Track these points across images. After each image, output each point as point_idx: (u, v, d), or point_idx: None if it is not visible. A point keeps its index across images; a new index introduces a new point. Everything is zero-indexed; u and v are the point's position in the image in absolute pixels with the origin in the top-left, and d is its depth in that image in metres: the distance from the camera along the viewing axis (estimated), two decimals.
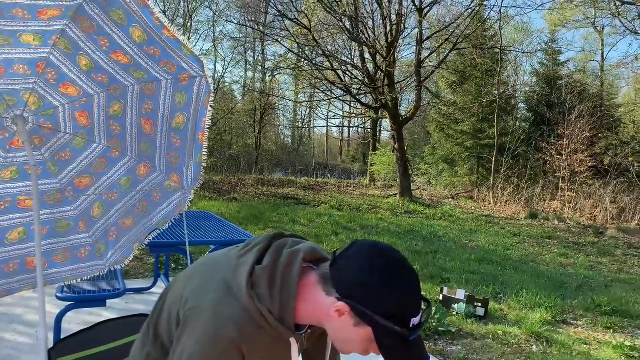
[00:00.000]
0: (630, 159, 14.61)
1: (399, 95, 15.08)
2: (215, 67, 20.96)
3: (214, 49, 19.74)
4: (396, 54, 14.31)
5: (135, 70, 2.14)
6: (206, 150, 2.42)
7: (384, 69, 13.53)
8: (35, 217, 2.05)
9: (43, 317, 1.85)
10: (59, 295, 3.09)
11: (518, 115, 19.65)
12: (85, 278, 2.52)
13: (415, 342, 1.00)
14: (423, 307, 1.02)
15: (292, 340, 1.07)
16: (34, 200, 2.06)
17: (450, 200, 15.61)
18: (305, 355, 1.36)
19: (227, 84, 21.95)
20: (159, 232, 2.55)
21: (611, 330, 4.78)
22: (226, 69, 27.39)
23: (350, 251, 1.02)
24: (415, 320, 0.98)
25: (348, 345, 1.04)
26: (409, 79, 14.99)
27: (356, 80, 14.87)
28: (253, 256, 1.05)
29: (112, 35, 2.00)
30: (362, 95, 15.43)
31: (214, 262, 1.12)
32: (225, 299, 1.01)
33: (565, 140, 14.22)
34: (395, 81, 14.59)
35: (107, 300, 3.28)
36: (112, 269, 2.54)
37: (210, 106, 2.34)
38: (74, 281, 2.50)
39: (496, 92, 16.85)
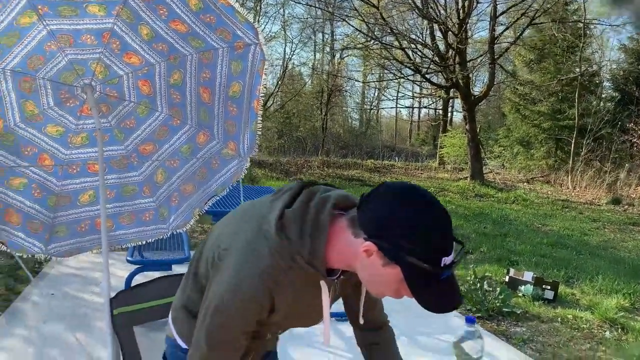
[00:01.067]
0: None
1: (471, 74, 14.53)
2: (284, 50, 21.22)
3: (282, 31, 19.92)
4: (468, 31, 13.76)
5: (193, 39, 2.20)
6: (261, 118, 2.46)
7: (455, 47, 13.07)
8: (100, 180, 2.18)
9: (106, 268, 1.97)
10: (129, 258, 3.29)
11: (602, 95, 18.33)
12: (150, 241, 2.66)
13: (447, 281, 0.96)
14: (456, 248, 0.98)
15: (323, 284, 1.07)
16: (100, 164, 2.19)
17: (524, 184, 14.92)
18: (345, 305, 1.37)
19: (295, 66, 22.12)
20: (218, 198, 2.64)
21: None
22: (294, 51, 27.58)
23: (379, 191, 0.99)
24: (446, 260, 0.94)
25: (379, 287, 1.03)
26: (482, 56, 14.37)
27: (426, 60, 14.48)
28: (284, 200, 1.06)
29: (170, 3, 2.07)
30: (432, 75, 15.01)
31: (249, 208, 1.14)
32: (255, 240, 1.02)
33: None
34: (467, 59, 14.04)
35: (174, 267, 3.46)
36: (175, 232, 2.66)
37: (265, 74, 2.37)
38: (140, 243, 2.65)
39: (578, 70, 15.79)
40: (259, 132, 2.46)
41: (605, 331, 4.00)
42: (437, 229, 0.95)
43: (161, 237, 2.65)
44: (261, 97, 2.38)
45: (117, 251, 3.81)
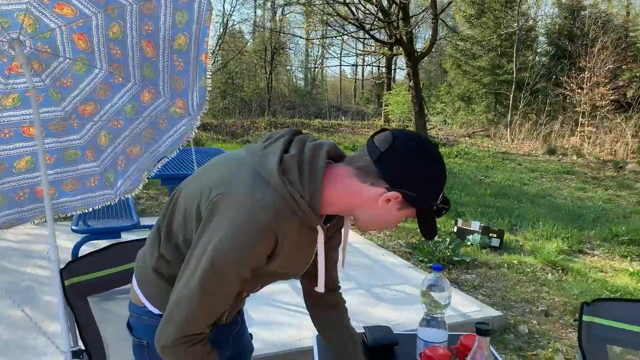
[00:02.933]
0: None
1: (414, 30, 14.56)
2: (223, 6, 20.38)
3: None
4: None
5: None
6: (210, 73, 2.32)
7: (398, 2, 13.00)
8: (38, 144, 2.01)
9: (52, 239, 1.85)
10: (73, 227, 3.13)
11: (538, 49, 18.94)
12: (97, 208, 2.52)
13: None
14: None
15: (319, 229, 1.09)
16: (36, 127, 2.01)
17: (466, 138, 15.38)
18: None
19: (235, 23, 21.36)
20: (167, 160, 2.52)
21: (628, 258, 4.75)
22: (234, 8, 26.54)
23: (395, 145, 1.04)
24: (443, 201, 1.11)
25: (380, 225, 1.14)
26: (424, 11, 14.39)
27: (369, 15, 14.34)
28: (280, 146, 1.06)
29: None
30: (376, 31, 14.92)
31: (235, 157, 1.11)
32: (257, 185, 1.01)
33: (586, 73, 13.72)
34: (411, 15, 14.03)
35: (122, 234, 3.31)
36: (123, 198, 2.53)
37: (213, 25, 2.23)
38: (86, 210, 2.51)
39: (515, 25, 16.16)
40: (209, 88, 2.34)
41: (548, 273, 4.24)
42: (444, 178, 1.09)
43: (109, 203, 2.51)
44: (210, 50, 2.25)
45: (60, 221, 3.61)
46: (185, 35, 2.21)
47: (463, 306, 3.31)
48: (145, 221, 4.75)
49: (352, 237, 4.87)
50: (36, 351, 2.62)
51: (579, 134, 13.65)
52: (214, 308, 1.06)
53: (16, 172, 2.26)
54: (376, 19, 13.66)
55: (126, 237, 3.67)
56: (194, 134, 2.48)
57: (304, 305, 1.46)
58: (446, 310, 1.43)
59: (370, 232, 5.07)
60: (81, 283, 1.74)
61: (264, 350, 2.69)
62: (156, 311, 1.19)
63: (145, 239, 1.89)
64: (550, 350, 2.94)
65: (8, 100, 2.16)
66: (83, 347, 1.73)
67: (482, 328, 1.23)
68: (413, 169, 1.04)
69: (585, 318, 1.56)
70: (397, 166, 1.04)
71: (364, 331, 1.66)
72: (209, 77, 2.33)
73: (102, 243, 3.71)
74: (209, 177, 1.08)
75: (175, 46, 2.23)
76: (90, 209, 2.53)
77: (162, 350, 1.05)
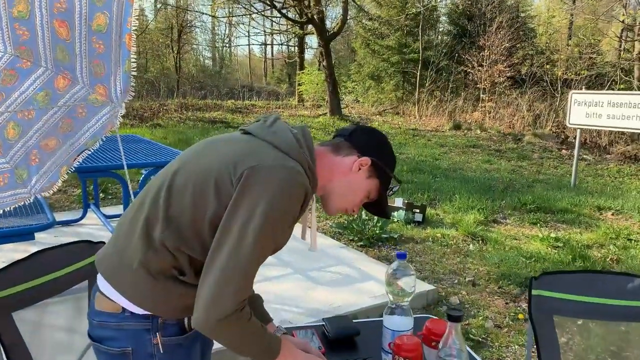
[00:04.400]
0: (547, 67, 15.28)
1: (324, 9, 14.56)
2: None
3: None
4: None
5: None
6: (135, 56, 2.13)
7: None
8: None
9: None
10: None
11: (440, 29, 19.76)
12: (8, 209, 2.24)
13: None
14: None
15: (314, 197, 1.29)
16: None
17: (378, 116, 15.78)
18: None
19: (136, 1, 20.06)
20: (90, 153, 2.30)
21: (537, 225, 5.14)
22: None
23: (360, 126, 1.32)
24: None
25: (351, 198, 1.28)
26: None
27: None
28: (285, 125, 1.21)
29: None
30: (286, 10, 14.73)
31: (235, 137, 1.20)
32: (281, 156, 1.11)
33: (485, 51, 14.54)
34: None
35: (36, 235, 3.00)
36: (40, 196, 2.28)
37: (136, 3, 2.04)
38: None
39: (420, 5, 16.71)
40: (134, 73, 2.15)
41: (469, 244, 4.47)
42: (395, 158, 1.34)
43: (22, 203, 2.25)
44: (134, 30, 2.05)
45: None
46: (104, 15, 2.00)
47: None
48: (58, 217, 4.37)
49: None
50: None
51: (480, 109, 14.50)
52: (258, 268, 1.10)
53: None
54: None
55: (40, 237, 3.35)
56: (118, 122, 2.28)
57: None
58: (411, 297, 1.42)
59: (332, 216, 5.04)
60: (3, 299, 1.53)
61: None
62: (141, 312, 1.12)
63: (69, 243, 1.72)
64: (480, 318, 3.11)
65: None
66: None
67: (453, 314, 1.24)
68: (378, 142, 1.28)
69: (534, 292, 1.63)
70: (366, 138, 1.27)
71: (323, 323, 1.62)
72: (134, 60, 2.14)
73: (9, 246, 3.37)
74: (219, 156, 1.11)
75: (93, 27, 2.02)
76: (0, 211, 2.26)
77: (220, 321, 1.03)
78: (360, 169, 1.24)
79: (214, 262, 1.05)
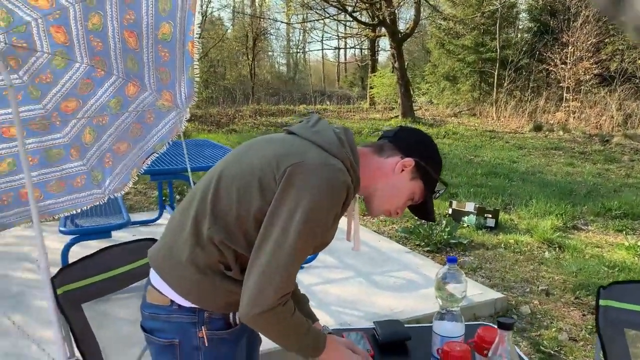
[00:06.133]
0: (639, 62, 14.14)
1: (396, 11, 14.41)
2: None
3: None
4: None
5: None
6: (197, 63, 2.22)
7: None
8: (19, 145, 1.89)
9: (41, 246, 1.75)
10: (62, 229, 3.02)
11: (520, 26, 18.90)
12: (85, 208, 2.41)
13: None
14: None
15: (357, 197, 1.31)
16: (17, 127, 1.90)
17: (452, 118, 15.36)
18: None
19: (214, 10, 20.98)
20: (157, 156, 2.42)
21: (623, 232, 4.76)
22: None
23: (404, 129, 1.29)
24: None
25: (394, 200, 1.26)
26: None
27: None
28: (328, 125, 1.22)
29: None
30: (358, 13, 14.74)
31: (278, 137, 1.22)
32: (323, 154, 1.12)
33: (570, 48, 13.73)
34: None
35: (113, 234, 3.21)
36: (112, 196, 2.43)
37: (199, 13, 2.12)
38: (74, 211, 2.40)
39: (497, 2, 16.08)
40: (197, 79, 2.23)
41: (545, 252, 4.22)
42: (442, 161, 1.30)
43: (97, 203, 2.41)
44: (196, 38, 2.14)
45: (48, 222, 3.50)
46: (169, 24, 2.10)
47: None
48: (135, 217, 4.65)
49: (344, 225, 4.80)
50: None
51: (564, 109, 13.69)
52: (300, 264, 1.11)
53: None
54: (358, 1, 13.49)
55: (117, 235, 3.58)
56: (183, 127, 2.38)
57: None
58: (461, 303, 1.37)
59: (373, 218, 5.01)
60: (74, 291, 1.65)
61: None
62: (188, 305, 1.16)
63: (135, 240, 1.82)
64: (553, 330, 2.92)
65: None
66: (80, 357, 1.65)
67: (504, 322, 1.18)
68: (423, 143, 1.27)
69: (602, 302, 1.51)
70: (410, 139, 1.26)
71: (374, 326, 1.60)
72: (197, 67, 2.23)
73: (92, 243, 3.62)
74: (263, 155, 1.14)
75: (159, 36, 2.12)
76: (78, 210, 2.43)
77: (262, 315, 1.07)
78: (403, 170, 1.22)
79: (257, 258, 1.08)
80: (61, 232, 3.01)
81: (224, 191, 1.14)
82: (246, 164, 1.15)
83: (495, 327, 1.33)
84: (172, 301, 1.17)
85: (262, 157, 1.14)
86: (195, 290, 1.15)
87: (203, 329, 1.17)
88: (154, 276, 1.22)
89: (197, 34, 2.16)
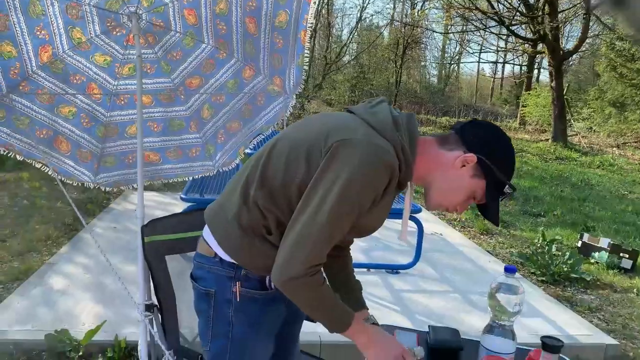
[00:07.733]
0: None
1: (561, 27, 13.34)
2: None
3: None
4: None
5: None
6: (308, 52, 2.31)
7: None
8: (138, 112, 2.14)
9: (141, 197, 1.97)
10: (182, 196, 3.34)
11: None
12: (196, 177, 2.65)
13: (500, 202, 1.22)
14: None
15: (410, 184, 1.25)
16: (137, 95, 2.15)
17: (614, 149, 13.77)
18: None
19: (370, 16, 21.35)
20: (263, 137, 2.57)
21: None
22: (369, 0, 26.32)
23: (477, 121, 1.23)
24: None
25: (451, 195, 1.21)
26: (576, 6, 13.10)
27: (512, 10, 13.42)
28: (387, 107, 1.20)
29: None
30: (518, 27, 13.94)
31: (337, 114, 1.23)
32: (373, 134, 1.12)
33: None
34: (559, 9, 12.86)
35: None
36: (221, 170, 2.64)
37: (314, 3, 2.21)
38: (187, 179, 2.65)
39: None
40: (306, 67, 2.32)
41: None
42: (514, 162, 1.21)
43: (207, 174, 2.64)
44: (309, 27, 2.23)
45: (178, 192, 3.90)
46: (286, 12, 2.21)
47: (570, 327, 2.94)
48: None
49: (458, 240, 4.60)
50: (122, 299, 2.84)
51: None
52: (334, 239, 1.12)
53: (127, 136, 2.46)
54: (518, 14, 12.76)
55: None
56: (288, 112, 2.49)
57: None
58: (515, 318, 1.25)
59: (454, 216, 4.75)
60: (160, 242, 1.83)
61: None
62: (228, 259, 1.24)
63: None
64: None
65: (125, 69, 2.34)
66: (156, 302, 1.83)
67: (548, 343, 1.06)
68: (492, 139, 1.18)
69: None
70: (477, 134, 1.18)
71: (428, 330, 1.53)
72: (307, 55, 2.32)
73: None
74: (316, 128, 1.17)
75: (276, 23, 2.25)
76: (192, 178, 2.68)
77: (289, 281, 1.10)
78: (464, 165, 1.17)
79: (292, 227, 1.12)
80: (182, 199, 3.34)
81: (275, 158, 1.18)
82: (300, 136, 1.19)
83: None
84: (215, 254, 1.25)
85: (314, 131, 1.17)
86: (236, 248, 1.21)
87: (237, 285, 1.23)
88: (205, 229, 1.31)
89: (310, 23, 2.25)
